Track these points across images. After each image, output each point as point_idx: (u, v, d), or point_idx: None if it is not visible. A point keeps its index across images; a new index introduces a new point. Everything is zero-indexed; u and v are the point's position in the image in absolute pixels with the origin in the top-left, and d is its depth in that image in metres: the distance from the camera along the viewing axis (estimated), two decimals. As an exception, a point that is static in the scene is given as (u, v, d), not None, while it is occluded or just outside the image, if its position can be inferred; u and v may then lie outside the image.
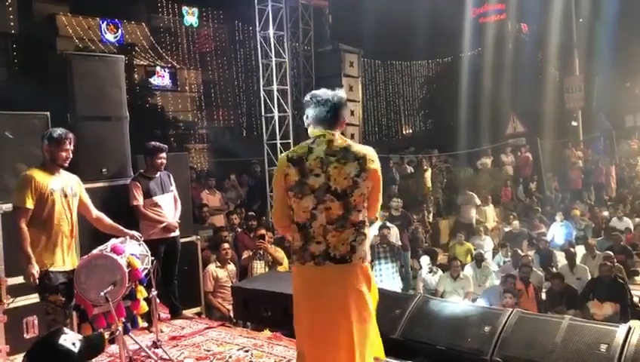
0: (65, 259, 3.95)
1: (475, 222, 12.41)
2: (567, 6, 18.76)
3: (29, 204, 3.79)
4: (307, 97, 2.99)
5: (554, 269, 9.37)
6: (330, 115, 2.92)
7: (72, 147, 3.99)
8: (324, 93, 2.98)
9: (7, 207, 4.62)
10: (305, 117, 3.02)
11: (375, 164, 2.86)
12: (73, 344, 2.13)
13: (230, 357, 4.40)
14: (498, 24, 23.36)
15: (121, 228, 4.29)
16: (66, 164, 4.00)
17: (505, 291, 7.80)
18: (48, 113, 4.95)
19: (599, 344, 3.74)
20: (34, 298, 4.49)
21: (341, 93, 3.02)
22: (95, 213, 4.28)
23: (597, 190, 15.63)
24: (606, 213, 12.79)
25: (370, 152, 2.89)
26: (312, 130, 2.97)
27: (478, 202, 12.61)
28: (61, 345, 2.09)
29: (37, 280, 3.77)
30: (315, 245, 2.82)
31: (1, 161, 4.75)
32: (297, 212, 2.87)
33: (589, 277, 8.78)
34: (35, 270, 3.76)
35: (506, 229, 11.93)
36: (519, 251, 9.90)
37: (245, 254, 7.55)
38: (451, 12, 20.53)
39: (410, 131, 31.68)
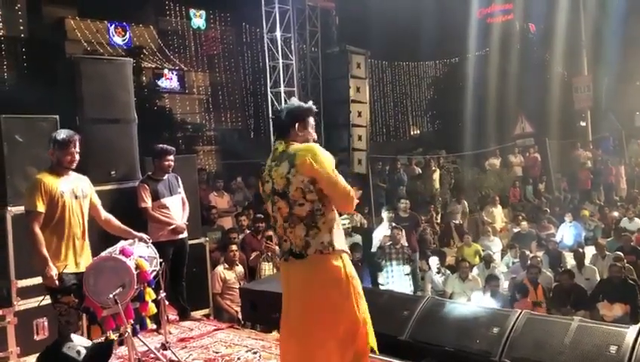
0: (77, 260, 3.97)
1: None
2: (575, 5, 18.66)
3: (41, 207, 3.81)
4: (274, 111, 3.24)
5: (567, 268, 9.30)
6: (282, 124, 3.15)
7: (77, 149, 4.00)
8: (286, 103, 3.28)
9: (17, 209, 4.66)
10: None
11: (306, 157, 2.91)
12: (78, 352, 2.13)
13: (238, 358, 4.42)
14: (505, 24, 23.27)
15: (130, 230, 4.31)
16: (73, 167, 4.02)
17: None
18: (57, 116, 4.97)
19: (609, 345, 3.70)
20: (44, 300, 4.53)
21: (299, 103, 3.23)
22: (104, 214, 4.30)
23: (606, 190, 15.54)
24: (616, 214, 12.69)
25: (303, 148, 2.98)
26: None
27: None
28: (66, 354, 2.09)
29: (57, 281, 3.80)
30: (284, 243, 3.09)
31: (11, 165, 4.78)
32: (271, 216, 3.17)
33: (598, 278, 8.74)
34: (54, 272, 3.79)
35: (515, 230, 11.88)
36: (527, 252, 9.85)
37: (253, 255, 7.58)
38: (458, 12, 20.47)
39: (418, 132, 31.60)
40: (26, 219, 3.87)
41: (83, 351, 2.16)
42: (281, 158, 3.04)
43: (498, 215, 13.04)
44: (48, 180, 3.88)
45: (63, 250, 3.92)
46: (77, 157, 4.01)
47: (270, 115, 3.08)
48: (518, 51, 22.09)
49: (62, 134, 3.99)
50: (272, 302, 5.03)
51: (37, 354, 4.10)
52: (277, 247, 7.21)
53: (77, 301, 3.87)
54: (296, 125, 3.10)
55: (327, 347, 2.95)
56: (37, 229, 3.81)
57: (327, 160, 2.96)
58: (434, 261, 9.56)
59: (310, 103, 3.27)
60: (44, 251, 3.82)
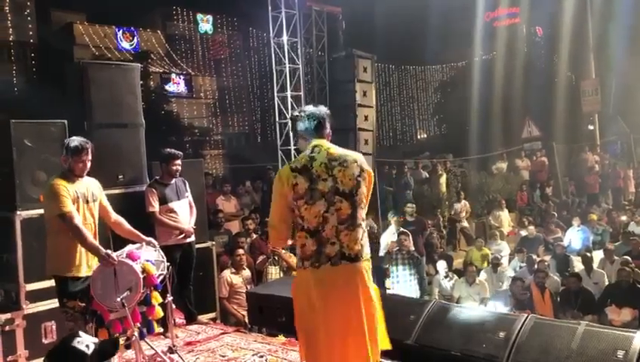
0: (90, 263, 4.02)
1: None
2: (582, 8, 18.60)
3: (69, 207, 3.84)
4: (296, 113, 3.27)
5: (574, 271, 9.25)
6: (320, 126, 3.17)
7: (89, 157, 4.03)
8: (311, 108, 3.27)
9: (27, 214, 4.70)
10: (295, 130, 3.27)
11: (369, 167, 3.15)
12: (87, 346, 2.18)
13: (245, 362, 4.43)
14: (512, 28, 23.25)
15: (139, 233, 4.33)
16: (83, 175, 4.05)
17: (511, 296, 7.74)
18: (66, 121, 5.00)
19: (616, 350, 3.69)
20: (52, 303, 4.57)
21: (324, 108, 3.28)
22: (114, 216, 4.33)
23: (614, 194, 15.44)
24: (624, 218, 12.61)
25: (360, 156, 3.18)
26: (303, 143, 3.20)
27: None
28: (75, 347, 2.15)
29: (114, 259, 3.86)
30: (330, 246, 2.98)
31: (21, 169, 4.81)
32: (308, 218, 3.00)
33: (607, 283, 8.68)
34: (105, 252, 3.86)
35: (522, 234, 11.83)
36: (534, 256, 9.81)
37: (259, 259, 7.60)
38: (465, 16, 20.47)
39: (425, 136, 31.59)
40: (63, 223, 3.86)
41: (92, 346, 2.20)
42: (346, 160, 3.07)
43: (505, 219, 13.00)
44: (64, 184, 3.91)
45: (77, 254, 3.95)
46: (88, 165, 4.04)
47: (296, 116, 3.09)
48: (525, 55, 22.05)
49: (75, 142, 4.01)
50: (279, 305, 5.06)
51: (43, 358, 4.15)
52: (282, 251, 7.25)
53: (83, 305, 3.90)
54: (329, 128, 3.22)
55: (371, 344, 3.01)
56: (77, 223, 3.84)
57: None
58: (442, 265, 9.54)
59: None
60: (91, 240, 3.89)
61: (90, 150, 4.03)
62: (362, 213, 3.07)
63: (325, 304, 2.99)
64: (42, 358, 4.45)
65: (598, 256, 9.75)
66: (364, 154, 13.10)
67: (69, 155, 3.96)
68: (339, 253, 2.97)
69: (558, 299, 8.34)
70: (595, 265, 9.26)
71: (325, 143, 3.13)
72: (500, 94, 20.29)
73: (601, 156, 17.22)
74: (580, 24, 18.81)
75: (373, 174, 3.16)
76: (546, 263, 9.12)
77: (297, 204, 3.00)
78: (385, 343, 3.17)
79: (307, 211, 2.99)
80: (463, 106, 20.97)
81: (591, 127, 19.61)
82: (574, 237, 11.40)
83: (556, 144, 16.62)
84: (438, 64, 29.11)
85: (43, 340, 4.72)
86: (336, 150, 3.12)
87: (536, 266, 9.00)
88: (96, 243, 3.94)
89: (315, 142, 3.12)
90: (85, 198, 4.02)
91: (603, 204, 14.90)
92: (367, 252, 3.08)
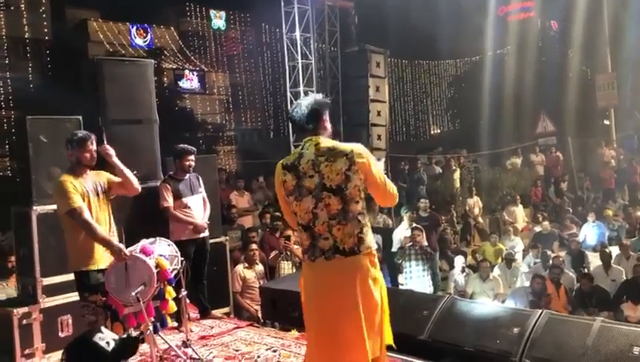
0: (108, 256, 4.03)
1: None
2: (598, 2, 18.36)
3: (78, 202, 3.86)
4: (290, 108, 3.17)
5: (586, 270, 9.18)
6: (307, 120, 3.07)
7: (95, 147, 4.05)
8: (302, 99, 3.18)
9: (42, 209, 4.76)
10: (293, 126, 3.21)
11: (363, 157, 2.98)
12: (107, 343, 2.20)
13: (258, 356, 4.45)
14: (526, 22, 23.01)
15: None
16: (92, 164, 4.06)
17: (531, 292, 7.68)
18: (80, 117, 5.05)
19: (632, 346, 3.64)
20: (68, 297, 4.63)
21: (317, 97, 3.17)
22: (117, 179, 4.25)
23: (631, 189, 15.26)
24: (640, 213, 12.48)
25: (356, 147, 3.01)
26: (301, 136, 3.13)
27: None
28: (96, 343, 2.16)
29: (126, 253, 3.89)
30: (323, 241, 2.96)
31: (36, 165, 4.87)
32: (300, 214, 3.02)
33: (624, 278, 8.60)
34: (117, 246, 3.90)
35: (537, 230, 11.75)
36: (549, 252, 9.74)
37: (272, 254, 7.63)
38: (478, 10, 20.30)
39: (438, 131, 31.46)
40: (72, 218, 3.88)
41: (112, 343, 2.22)
42: (334, 154, 2.96)
43: (519, 214, 12.91)
44: (73, 180, 3.93)
45: (95, 247, 3.98)
46: (95, 155, 4.06)
47: (290, 110, 3.08)
48: (540, 49, 21.82)
49: (78, 134, 4.07)
50: (292, 300, 5.06)
51: (61, 351, 4.20)
52: (294, 246, 7.27)
53: (104, 299, 3.94)
54: (322, 119, 3.10)
55: (370, 340, 2.95)
56: (87, 218, 3.86)
57: (376, 160, 3.06)
58: (459, 260, 9.50)
59: (321, 96, 3.28)
60: (102, 234, 3.91)
61: (94, 140, 4.05)
62: (358, 206, 2.96)
63: (319, 297, 3.02)
64: (59, 351, 4.55)
65: (614, 252, 9.66)
66: (377, 149, 13.15)
67: (75, 148, 3.98)
68: (332, 247, 2.94)
69: (573, 295, 8.28)
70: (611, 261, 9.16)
71: (317, 137, 3.04)
72: (514, 89, 20.11)
73: (617, 151, 17.02)
74: (596, 18, 18.57)
75: (367, 162, 2.97)
76: (560, 259, 9.05)
77: (289, 199, 3.05)
78: (389, 339, 3.13)
79: (298, 207, 3.02)
80: (477, 101, 20.83)
81: (607, 122, 19.39)
82: (589, 232, 11.30)
83: (571, 139, 16.45)
84: (451, 59, 28.97)
85: (59, 334, 4.78)
86: (326, 144, 3.02)
87: (551, 262, 8.94)
88: (108, 236, 3.96)
89: (308, 137, 3.06)
90: (95, 191, 4.03)
91: (619, 199, 14.73)
92: (368, 245, 2.98)
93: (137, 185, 4.30)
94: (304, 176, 2.99)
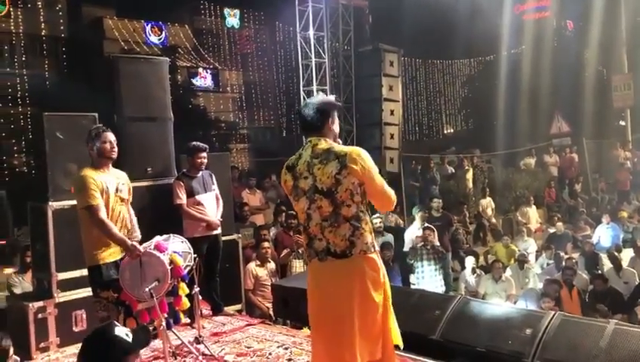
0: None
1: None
2: (615, 2, 18.16)
3: (96, 200, 3.88)
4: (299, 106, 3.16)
5: (599, 272, 9.10)
6: (313, 120, 3.05)
7: (114, 138, 4.06)
8: (310, 99, 3.19)
9: (58, 205, 4.82)
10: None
11: (357, 161, 2.92)
12: (127, 334, 2.23)
13: (270, 354, 4.46)
14: (542, 21, 22.79)
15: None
16: (114, 155, 4.07)
17: (543, 294, 7.62)
18: (96, 114, 5.09)
19: (646, 350, 3.62)
20: (83, 292, 4.68)
21: (326, 98, 3.18)
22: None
23: (646, 191, 15.11)
24: (656, 215, 12.36)
25: (352, 151, 2.96)
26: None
27: None
28: (117, 336, 2.20)
29: (140, 250, 3.93)
30: (318, 242, 3.00)
31: (53, 161, 4.93)
32: (298, 214, 3.11)
33: (637, 281, 8.51)
34: (131, 243, 3.93)
35: (550, 231, 11.67)
36: (562, 254, 9.67)
37: (283, 253, 7.64)
38: (493, 9, 20.16)
39: (452, 131, 31.32)
40: (88, 215, 3.90)
41: (130, 334, 2.26)
42: (327, 157, 2.95)
43: (533, 215, 12.82)
44: (93, 175, 3.95)
45: (108, 242, 3.98)
46: (115, 146, 4.07)
47: (298, 110, 3.06)
48: (555, 49, 21.63)
49: (94, 127, 4.12)
50: (304, 298, 5.08)
51: (75, 345, 4.25)
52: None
53: (116, 296, 3.96)
54: (329, 120, 3.08)
55: (364, 343, 2.94)
56: (102, 217, 3.88)
57: (373, 164, 3.01)
58: (470, 261, 9.46)
59: (333, 97, 3.28)
60: (118, 233, 3.94)
61: (111, 133, 4.08)
62: (350, 209, 2.93)
63: (313, 297, 3.08)
64: (73, 345, 4.61)
65: (628, 254, 9.56)
66: (389, 148, 13.12)
67: (95, 140, 3.99)
68: (325, 249, 2.96)
69: (587, 297, 8.21)
70: (625, 264, 9.08)
71: (317, 138, 3.03)
72: (529, 89, 19.96)
73: (632, 152, 16.83)
74: (612, 18, 18.36)
75: (364, 167, 2.91)
76: (574, 260, 8.98)
77: (291, 199, 3.12)
78: (395, 339, 3.11)
79: (296, 207, 3.09)
80: (491, 101, 20.73)
81: (622, 123, 19.18)
82: (604, 234, 11.20)
83: (586, 140, 16.30)
84: (465, 58, 28.80)
85: (74, 328, 4.84)
86: (323, 146, 2.99)
87: (564, 263, 8.87)
88: (122, 235, 3.96)
89: (312, 137, 3.06)
90: (116, 187, 4.05)
91: (634, 201, 14.58)
92: (362, 248, 2.94)
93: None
94: (300, 176, 3.02)
